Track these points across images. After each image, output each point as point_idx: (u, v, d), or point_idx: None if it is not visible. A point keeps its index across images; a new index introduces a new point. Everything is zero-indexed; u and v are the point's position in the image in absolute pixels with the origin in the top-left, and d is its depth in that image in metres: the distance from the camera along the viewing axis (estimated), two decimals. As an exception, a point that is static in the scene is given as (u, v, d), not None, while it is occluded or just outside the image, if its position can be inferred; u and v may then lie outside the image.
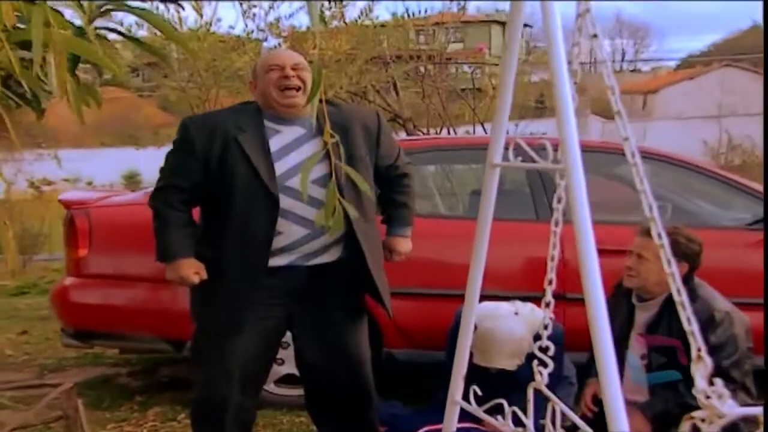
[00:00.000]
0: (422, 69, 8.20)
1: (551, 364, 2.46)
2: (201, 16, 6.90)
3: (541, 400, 2.42)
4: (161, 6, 6.61)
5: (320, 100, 3.23)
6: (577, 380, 4.04)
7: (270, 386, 4.55)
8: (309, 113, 3.18)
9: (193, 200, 3.18)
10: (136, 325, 4.64)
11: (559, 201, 2.33)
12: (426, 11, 8.68)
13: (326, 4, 6.76)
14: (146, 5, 2.61)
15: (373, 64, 7.69)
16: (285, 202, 3.07)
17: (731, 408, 1.81)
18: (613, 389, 1.85)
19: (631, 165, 2.03)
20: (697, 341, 1.89)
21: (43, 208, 12.81)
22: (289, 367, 4.29)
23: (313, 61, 3.10)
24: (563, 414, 2.41)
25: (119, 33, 2.68)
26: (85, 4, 2.41)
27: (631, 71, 50.60)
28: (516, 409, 2.42)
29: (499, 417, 2.45)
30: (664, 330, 3.61)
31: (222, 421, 3.22)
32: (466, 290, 2.45)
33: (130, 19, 6.92)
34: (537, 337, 2.55)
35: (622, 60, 53.06)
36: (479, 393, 2.52)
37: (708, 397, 1.83)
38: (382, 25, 8.16)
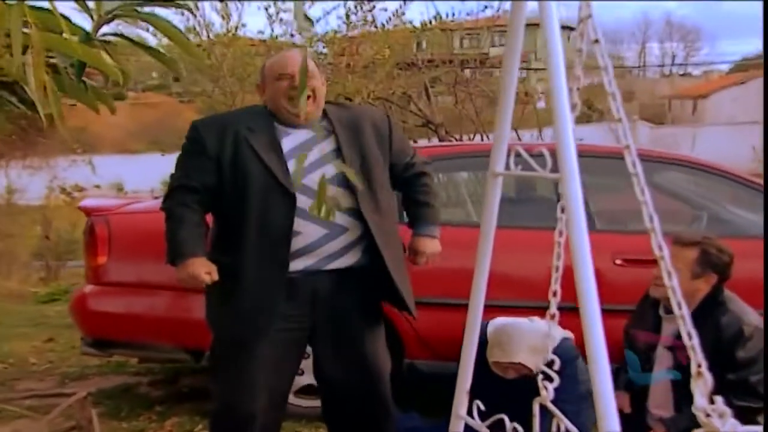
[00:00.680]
0: (457, 74, 8.15)
1: (557, 379, 2.44)
2: (228, 20, 6.95)
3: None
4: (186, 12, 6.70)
5: (328, 102, 3.31)
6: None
7: (290, 397, 4.56)
8: (318, 117, 3.22)
9: (206, 202, 3.16)
10: (155, 334, 4.68)
11: (563, 210, 2.30)
12: (468, 13, 8.63)
13: (352, 8, 6.81)
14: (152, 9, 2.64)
15: (404, 69, 7.70)
16: (301, 201, 3.07)
17: (733, 427, 1.79)
18: (605, 389, 1.83)
19: (632, 175, 2.00)
20: (697, 357, 1.87)
21: (75, 214, 12.99)
22: (309, 378, 4.29)
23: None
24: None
25: (125, 38, 2.71)
26: (93, 8, 2.45)
27: (681, 75, 50.08)
28: (516, 425, 2.40)
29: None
30: (677, 362, 3.58)
31: None
32: (470, 300, 2.43)
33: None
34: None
35: (672, 64, 52.56)
36: (482, 408, 2.50)
37: (708, 416, 1.81)
38: (425, 29, 8.15)
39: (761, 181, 5.10)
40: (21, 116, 12.99)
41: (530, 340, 3.80)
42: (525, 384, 3.81)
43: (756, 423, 3.27)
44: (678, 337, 3.61)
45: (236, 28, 6.78)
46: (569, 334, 4.00)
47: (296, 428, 4.47)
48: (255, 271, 3.09)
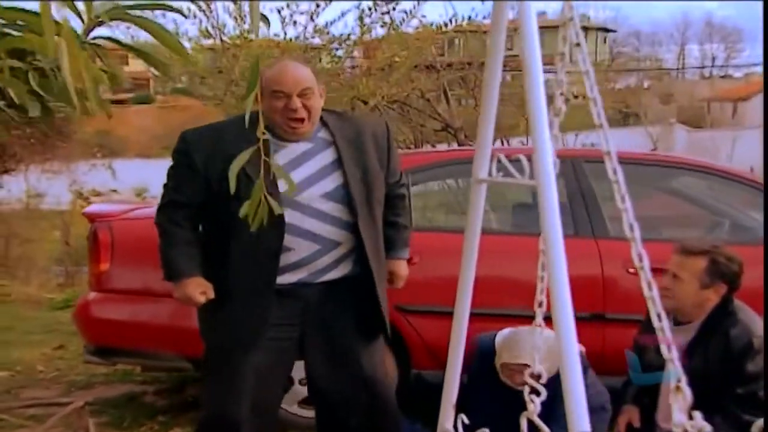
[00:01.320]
0: (476, 76, 8.12)
1: (544, 393, 2.42)
2: (243, 22, 6.98)
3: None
4: (199, 13, 6.76)
5: (327, 110, 3.30)
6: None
7: (293, 407, 4.58)
8: (312, 133, 3.20)
9: (197, 216, 3.21)
10: (158, 342, 4.70)
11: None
12: (484, 17, 8.61)
13: (366, 9, 6.82)
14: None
15: (422, 71, 7.70)
16: (295, 217, 3.08)
17: (712, 443, 1.77)
18: (575, 388, 1.82)
19: (612, 182, 1.98)
20: (677, 371, 1.84)
21: (93, 219, 13.11)
22: (312, 388, 4.31)
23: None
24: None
25: (114, 41, 2.72)
26: (83, 12, 2.47)
27: (722, 77, 49.64)
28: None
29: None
30: (700, 356, 3.53)
31: None
32: (455, 310, 2.42)
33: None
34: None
35: (712, 65, 52.13)
36: (466, 421, 2.49)
37: (686, 432, 1.79)
38: (458, 30, 8.15)
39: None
40: (40, 120, 13.20)
41: (539, 344, 3.79)
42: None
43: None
44: (685, 350, 3.59)
45: (248, 31, 6.81)
46: (579, 346, 3.96)
47: (298, 439, 4.47)
48: (243, 288, 3.13)
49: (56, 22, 2.11)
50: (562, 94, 2.15)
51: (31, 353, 6.81)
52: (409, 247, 3.55)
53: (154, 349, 4.73)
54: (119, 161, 15.83)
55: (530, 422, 3.56)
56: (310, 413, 4.56)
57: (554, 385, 3.75)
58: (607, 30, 61.00)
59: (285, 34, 7.00)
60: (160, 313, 4.68)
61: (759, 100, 35.19)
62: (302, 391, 4.52)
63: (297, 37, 7.04)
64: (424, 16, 7.96)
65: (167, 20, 6.91)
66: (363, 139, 3.25)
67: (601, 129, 2.01)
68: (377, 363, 3.38)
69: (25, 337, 7.59)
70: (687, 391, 1.81)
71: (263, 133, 3.13)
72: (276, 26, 6.45)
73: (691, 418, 1.80)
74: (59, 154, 14.12)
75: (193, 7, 6.79)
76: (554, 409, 3.82)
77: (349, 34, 7.12)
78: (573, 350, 1.86)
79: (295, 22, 6.95)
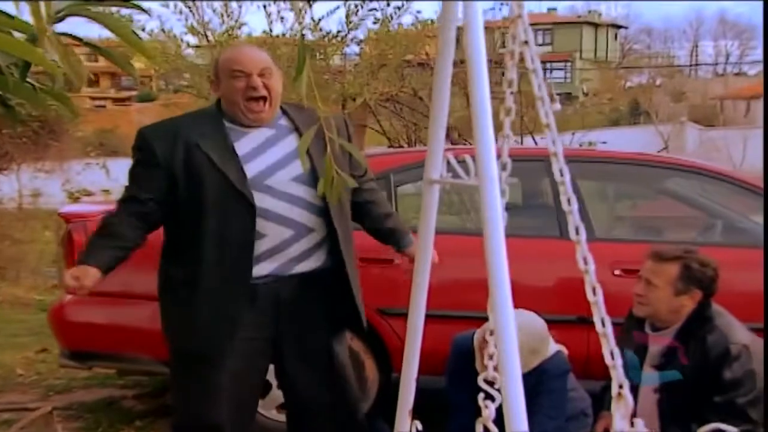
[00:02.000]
0: (467, 74, 8.08)
1: (499, 398, 2.41)
2: (230, 18, 7.00)
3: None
4: (185, 9, 6.77)
5: (285, 103, 3.31)
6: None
7: (271, 412, 4.57)
8: (273, 117, 3.22)
9: (155, 215, 3.17)
10: (134, 346, 4.70)
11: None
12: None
13: (352, 7, 6.83)
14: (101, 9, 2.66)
15: (414, 68, 7.70)
16: (267, 201, 3.08)
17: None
18: (514, 388, 1.82)
19: (558, 184, 1.98)
20: (619, 377, 1.84)
21: (86, 220, 13.11)
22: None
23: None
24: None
25: (73, 37, 2.73)
26: (43, 7, 2.48)
27: (736, 75, 49.53)
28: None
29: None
30: (677, 363, 3.52)
31: None
32: (409, 313, 2.42)
33: (152, 25, 7.08)
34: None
35: (726, 63, 52.00)
36: (420, 428, 2.49)
37: (627, 440, 1.78)
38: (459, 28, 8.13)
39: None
40: (33, 119, 13.18)
41: (527, 328, 3.83)
42: None
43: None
44: (663, 355, 3.59)
45: (233, 28, 6.83)
46: (562, 348, 3.97)
47: (277, 444, 4.46)
48: (215, 282, 3.10)
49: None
50: (512, 93, 2.14)
51: (13, 356, 6.82)
52: None
53: (131, 353, 4.72)
54: (117, 160, 15.81)
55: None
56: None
57: (534, 378, 3.79)
58: (618, 26, 60.96)
59: (271, 30, 7.01)
60: (137, 316, 4.67)
61: (772, 98, 35.11)
62: (280, 395, 4.51)
63: (284, 34, 7.05)
64: (419, 12, 7.98)
65: (153, 17, 6.99)
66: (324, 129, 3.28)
67: (548, 129, 2.00)
68: (345, 360, 3.38)
69: (9, 339, 7.60)
70: (629, 398, 1.80)
71: (222, 122, 3.15)
72: (262, 23, 6.45)
73: (632, 425, 1.78)
74: (52, 153, 14.13)
75: (179, 4, 6.82)
76: (534, 402, 3.85)
77: (338, 31, 7.15)
78: (513, 350, 1.86)
79: (282, 18, 6.97)
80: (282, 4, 6.78)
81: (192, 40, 7.26)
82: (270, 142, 3.17)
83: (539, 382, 3.83)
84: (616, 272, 4.49)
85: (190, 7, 6.88)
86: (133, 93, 44.92)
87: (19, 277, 12.16)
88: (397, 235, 3.47)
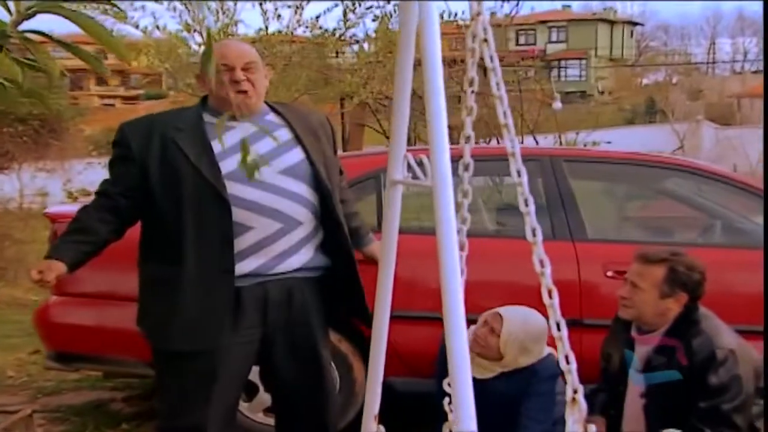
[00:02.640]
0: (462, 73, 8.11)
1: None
2: (226, 15, 7.02)
3: None
4: (179, 6, 6.79)
5: (273, 102, 3.33)
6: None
7: (258, 416, 4.58)
8: (258, 110, 3.25)
9: (129, 211, 3.18)
10: (119, 348, 4.70)
11: (463, 222, 2.27)
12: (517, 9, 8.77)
13: (350, 5, 6.84)
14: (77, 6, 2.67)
15: (415, 68, 7.69)
16: (253, 194, 3.08)
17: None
18: (463, 388, 1.83)
19: (516, 184, 1.98)
20: (574, 382, 1.84)
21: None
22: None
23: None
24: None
25: (42, 34, 2.73)
26: (12, 5, 2.48)
27: (754, 72, 49.31)
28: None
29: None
30: (663, 367, 3.51)
31: None
32: (374, 316, 2.42)
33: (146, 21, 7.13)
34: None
35: (744, 60, 51.80)
36: (384, 432, 2.49)
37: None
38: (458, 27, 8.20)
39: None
40: (34, 117, 13.22)
41: (523, 320, 3.86)
42: (504, 385, 3.81)
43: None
44: (649, 359, 3.58)
45: (228, 26, 6.84)
46: (552, 351, 3.96)
47: (263, 448, 4.47)
48: (198, 280, 3.08)
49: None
50: (473, 92, 2.14)
51: (5, 358, 6.85)
52: None
53: (116, 355, 4.73)
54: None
55: (500, 416, 3.58)
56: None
57: (523, 379, 3.79)
58: (634, 23, 60.78)
59: (267, 28, 7.02)
60: (121, 318, 4.65)
61: (791, 96, 34.90)
62: (267, 399, 4.51)
63: (280, 31, 7.07)
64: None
65: (146, 13, 7.02)
66: (313, 126, 3.31)
67: (506, 129, 1.99)
68: (329, 358, 3.41)
69: (2, 341, 7.62)
70: (582, 403, 1.80)
71: (201, 117, 3.16)
72: (258, 21, 6.47)
73: (586, 430, 1.78)
74: (53, 151, 14.18)
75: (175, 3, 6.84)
76: (522, 405, 3.85)
77: (335, 29, 7.16)
78: (464, 351, 1.86)
79: (279, 16, 6.98)
80: (278, 2, 6.79)
81: (198, 38, 7.26)
82: (259, 135, 3.16)
83: (528, 384, 3.84)
84: (609, 273, 4.48)
85: (186, 5, 6.89)
86: (140, 91, 44.99)
87: (18, 277, 12.19)
88: (359, 234, 3.54)
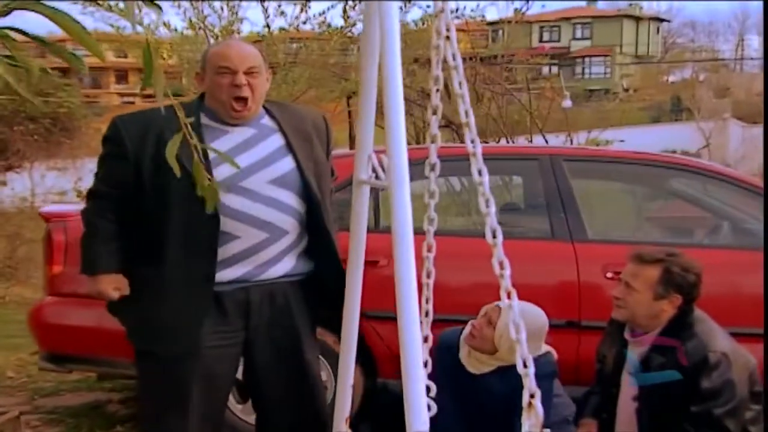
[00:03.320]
0: (476, 70, 8.13)
1: (434, 407, 2.40)
2: (220, 17, 7.05)
3: None
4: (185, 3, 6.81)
5: (268, 101, 3.31)
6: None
7: (251, 418, 4.58)
8: (257, 115, 3.21)
9: (125, 206, 3.16)
10: (113, 350, 4.71)
11: (430, 223, 2.25)
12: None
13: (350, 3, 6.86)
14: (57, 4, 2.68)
15: (424, 65, 7.71)
16: (241, 203, 3.06)
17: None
18: (415, 388, 1.83)
19: (477, 184, 1.96)
20: (531, 386, 1.83)
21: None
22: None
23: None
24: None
25: (20, 31, 2.74)
26: None
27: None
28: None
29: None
30: (656, 369, 3.49)
31: None
32: (343, 318, 2.42)
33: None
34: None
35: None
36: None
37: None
38: (495, 22, 8.21)
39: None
40: (45, 116, 13.29)
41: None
42: (499, 382, 3.79)
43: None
44: (641, 362, 3.55)
45: (232, 23, 6.85)
46: (551, 350, 3.94)
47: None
48: (178, 285, 3.08)
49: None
50: (437, 90, 2.13)
51: (7, 358, 6.91)
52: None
53: (110, 357, 4.74)
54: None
55: (495, 417, 3.57)
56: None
57: (518, 377, 3.77)
58: (660, 20, 60.43)
59: (269, 27, 7.03)
60: (113, 319, 4.69)
61: (821, 93, 34.56)
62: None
63: (284, 28, 7.08)
64: (429, 6, 7.99)
65: (149, 10, 7.02)
66: (307, 129, 3.27)
67: (466, 128, 1.98)
68: (316, 362, 3.39)
69: (5, 340, 7.69)
70: (539, 409, 1.79)
71: (199, 119, 3.15)
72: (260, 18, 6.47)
73: (542, 437, 1.77)
74: (65, 150, 14.26)
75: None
76: (517, 404, 3.82)
77: (341, 27, 7.17)
78: (417, 352, 1.86)
79: (282, 13, 6.98)
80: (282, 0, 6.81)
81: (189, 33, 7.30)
82: (251, 142, 3.15)
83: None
84: (609, 275, 4.45)
85: (192, 3, 6.91)
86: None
87: (28, 277, 12.27)
88: None
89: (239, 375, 3.37)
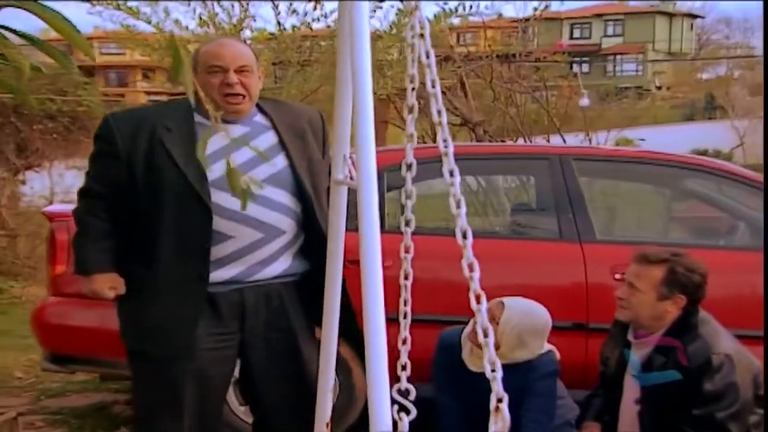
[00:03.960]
0: (492, 68, 8.10)
1: (414, 411, 2.39)
2: (230, 15, 7.07)
3: None
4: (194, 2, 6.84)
5: (261, 98, 3.31)
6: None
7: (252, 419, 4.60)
8: (250, 113, 3.21)
9: (118, 205, 3.16)
10: (116, 350, 4.73)
11: (407, 224, 2.24)
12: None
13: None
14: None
15: (438, 63, 7.71)
16: (237, 203, 3.02)
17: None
18: (379, 387, 1.93)
19: (448, 185, 1.96)
20: (498, 391, 1.82)
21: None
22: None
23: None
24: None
25: (7, 29, 2.76)
26: None
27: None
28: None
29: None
30: (657, 369, 3.48)
31: None
32: (323, 320, 2.42)
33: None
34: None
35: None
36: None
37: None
38: (527, 19, 8.21)
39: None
40: (63, 114, 13.35)
41: (522, 310, 3.84)
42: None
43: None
44: (644, 364, 3.53)
45: (243, 20, 6.87)
46: (553, 348, 3.93)
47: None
48: (172, 284, 3.09)
49: None
50: (413, 89, 2.11)
51: (17, 358, 6.96)
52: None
53: (113, 357, 4.76)
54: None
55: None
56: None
57: (520, 377, 3.75)
58: (694, 16, 59.98)
59: (280, 24, 7.05)
60: (114, 319, 4.70)
61: None
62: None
63: (296, 27, 7.10)
64: (446, 2, 7.99)
65: (158, 8, 7.07)
66: (302, 126, 3.26)
67: (439, 127, 1.98)
68: (314, 363, 3.39)
69: (18, 341, 7.72)
70: (506, 413, 1.78)
71: (192, 117, 3.16)
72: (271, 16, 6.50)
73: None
74: (83, 149, 14.31)
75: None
76: (520, 405, 3.81)
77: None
78: (381, 351, 1.86)
79: (294, 11, 6.99)
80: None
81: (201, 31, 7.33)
82: (246, 139, 3.15)
83: (526, 381, 3.78)
84: (617, 276, 4.42)
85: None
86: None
87: (44, 277, 12.33)
88: None
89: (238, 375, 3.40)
